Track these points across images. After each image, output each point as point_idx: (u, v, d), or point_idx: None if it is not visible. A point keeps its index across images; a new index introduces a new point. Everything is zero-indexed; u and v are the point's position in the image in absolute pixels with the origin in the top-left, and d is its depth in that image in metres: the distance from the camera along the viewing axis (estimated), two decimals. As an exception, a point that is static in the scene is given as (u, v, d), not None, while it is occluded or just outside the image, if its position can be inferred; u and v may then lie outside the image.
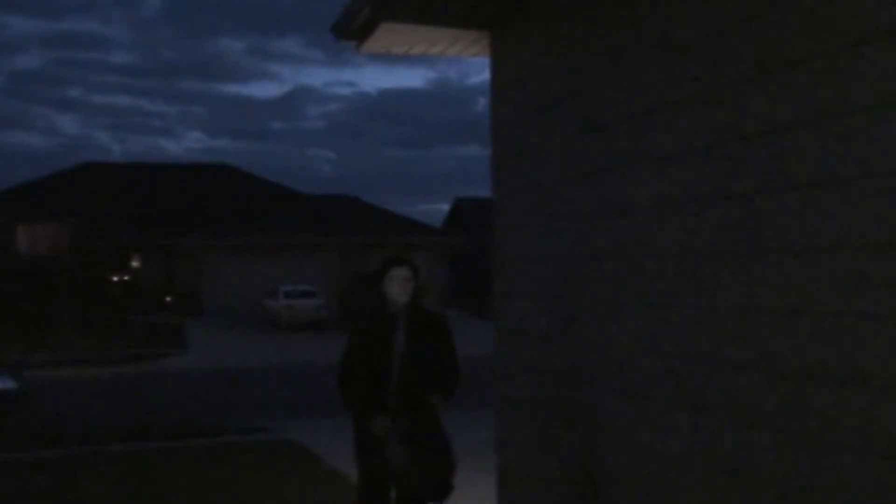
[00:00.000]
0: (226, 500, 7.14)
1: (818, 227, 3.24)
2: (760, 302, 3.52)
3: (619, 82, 4.54)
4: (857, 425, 3.06)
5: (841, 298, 3.14)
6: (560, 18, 5.14)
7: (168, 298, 36.92)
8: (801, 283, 3.31)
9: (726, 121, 3.73)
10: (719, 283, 3.76)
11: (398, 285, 4.47)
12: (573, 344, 4.99)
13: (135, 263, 39.14)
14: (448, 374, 4.59)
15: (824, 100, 3.21)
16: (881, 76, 2.96)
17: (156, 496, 7.31)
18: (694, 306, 3.93)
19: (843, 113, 3.12)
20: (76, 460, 8.92)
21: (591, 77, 4.80)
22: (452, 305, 37.65)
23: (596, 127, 4.75)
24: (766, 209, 3.49)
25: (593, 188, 4.79)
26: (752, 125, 3.58)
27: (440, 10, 5.65)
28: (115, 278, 38.60)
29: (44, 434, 10.76)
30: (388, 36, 5.96)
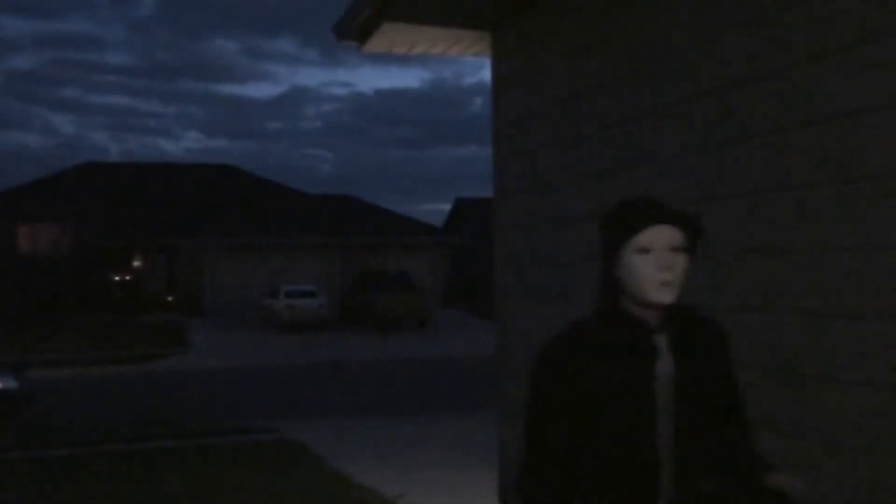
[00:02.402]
0: (226, 501, 7.14)
1: (818, 226, 3.23)
2: (760, 301, 3.51)
3: (622, 81, 4.53)
4: (862, 424, 3.06)
5: (845, 297, 3.13)
6: (564, 17, 5.14)
7: (169, 298, 36.95)
8: (804, 282, 3.31)
9: (729, 121, 3.73)
10: (721, 283, 3.75)
11: (660, 266, 2.01)
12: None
13: (136, 263, 39.17)
14: (743, 431, 2.21)
15: (825, 100, 3.21)
16: (882, 77, 2.96)
17: (156, 496, 7.31)
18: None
19: (844, 113, 3.12)
20: (76, 460, 8.92)
21: (595, 76, 4.80)
22: (452, 305, 37.67)
23: (599, 126, 4.75)
24: (767, 208, 3.48)
25: (595, 188, 4.78)
26: (752, 125, 3.58)
27: (442, 10, 5.65)
28: (117, 278, 38.65)
29: (44, 434, 10.76)
30: (390, 36, 5.96)
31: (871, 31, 3.01)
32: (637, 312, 2.06)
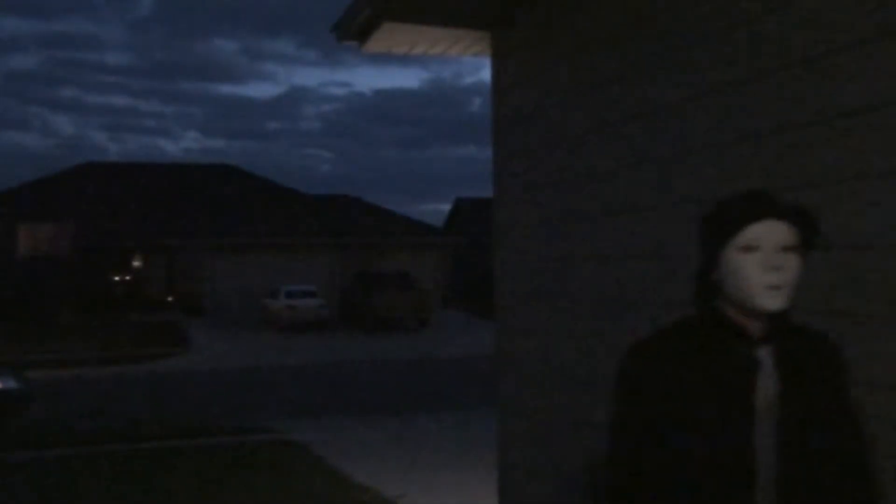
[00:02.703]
0: (226, 501, 7.14)
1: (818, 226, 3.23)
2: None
3: (622, 81, 4.54)
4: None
5: (846, 297, 3.13)
6: (564, 17, 5.14)
7: (169, 298, 36.96)
8: (805, 282, 3.31)
9: (729, 121, 3.73)
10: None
11: (767, 267, 1.75)
12: (574, 343, 4.98)
13: (136, 263, 39.17)
14: (863, 473, 1.85)
15: (825, 100, 3.21)
16: (882, 76, 2.96)
17: (156, 496, 7.31)
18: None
19: (844, 113, 3.12)
20: (76, 460, 8.92)
21: (595, 76, 4.80)
22: (453, 305, 37.68)
23: (599, 127, 4.75)
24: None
25: (595, 188, 4.78)
26: (752, 125, 3.58)
27: (442, 10, 5.65)
28: (116, 278, 38.65)
29: (44, 434, 10.76)
30: (390, 36, 5.95)
31: (870, 32, 3.01)
32: (739, 319, 1.79)
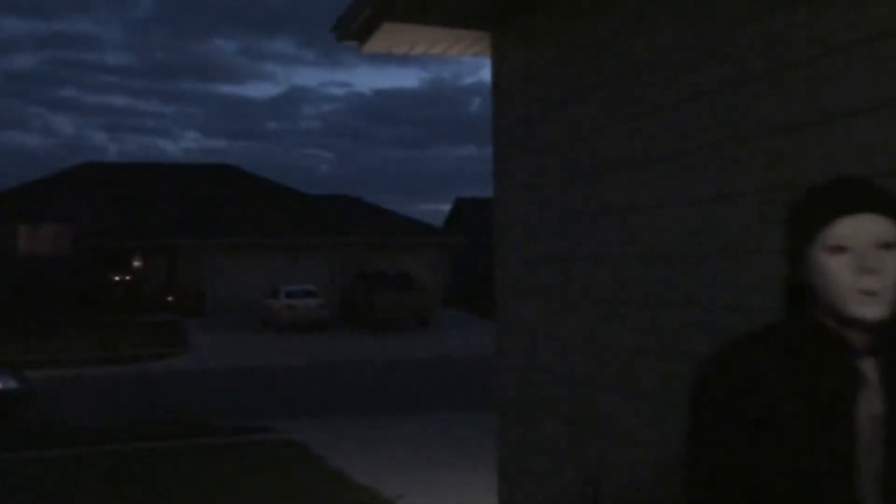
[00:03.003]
0: (226, 500, 7.14)
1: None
2: (759, 303, 3.52)
3: (622, 81, 4.54)
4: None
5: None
6: (564, 16, 5.14)
7: (169, 298, 36.96)
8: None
9: (728, 121, 3.73)
10: (720, 284, 3.76)
11: (861, 268, 1.47)
12: (573, 344, 4.98)
13: (136, 263, 39.18)
14: None
15: (825, 100, 3.21)
16: (882, 76, 2.96)
17: (156, 496, 7.31)
18: (694, 307, 3.93)
19: (844, 113, 3.12)
20: (76, 460, 8.92)
21: (594, 77, 4.80)
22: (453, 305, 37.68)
23: (598, 127, 4.75)
24: (764, 210, 3.49)
25: (595, 188, 4.79)
26: (752, 125, 3.58)
27: (442, 10, 5.65)
28: (117, 278, 38.66)
29: (44, 434, 10.77)
30: (390, 36, 5.96)
31: (871, 32, 3.01)
32: (836, 329, 1.52)
